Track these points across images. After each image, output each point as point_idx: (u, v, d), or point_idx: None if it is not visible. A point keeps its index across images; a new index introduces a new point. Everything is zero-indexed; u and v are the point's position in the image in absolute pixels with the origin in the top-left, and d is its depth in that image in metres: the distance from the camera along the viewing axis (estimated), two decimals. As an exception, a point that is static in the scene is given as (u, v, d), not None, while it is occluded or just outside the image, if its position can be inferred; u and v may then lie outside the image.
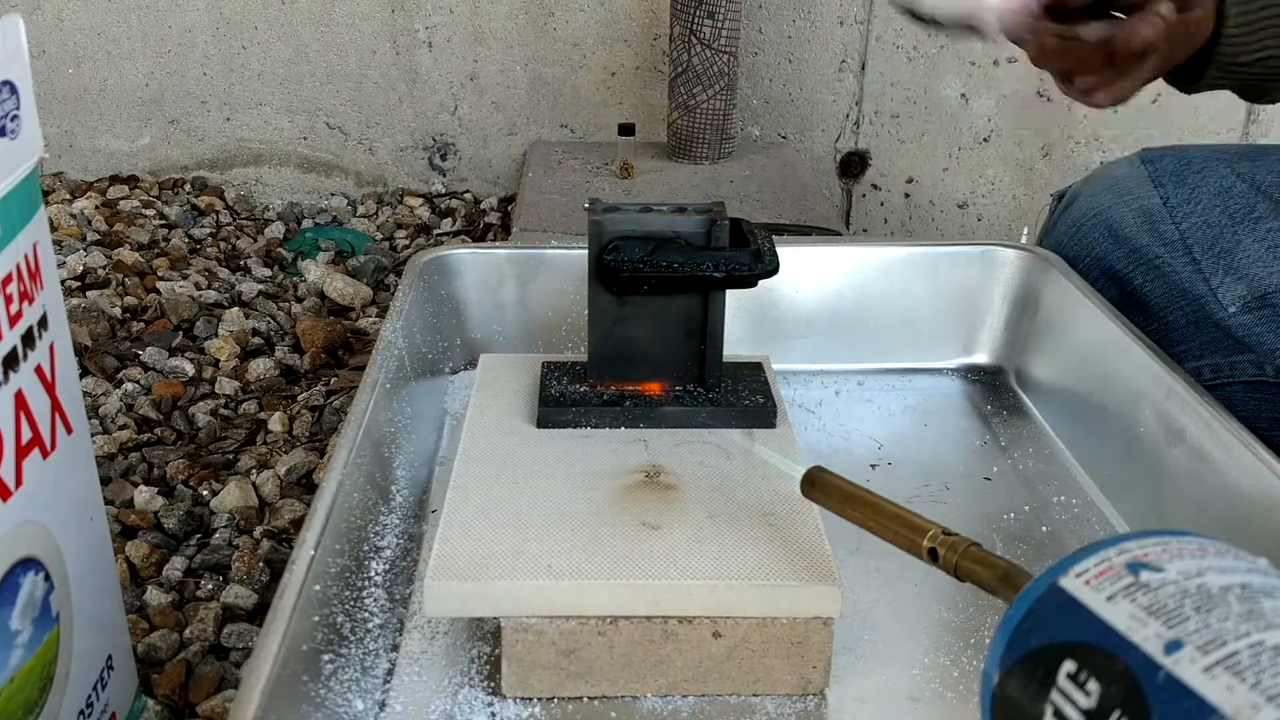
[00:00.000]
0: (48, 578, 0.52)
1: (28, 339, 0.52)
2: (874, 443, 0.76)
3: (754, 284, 0.64)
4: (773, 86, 1.52)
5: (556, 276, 0.84)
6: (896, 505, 0.49)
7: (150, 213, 1.46)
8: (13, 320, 0.50)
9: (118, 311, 1.15)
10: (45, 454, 0.52)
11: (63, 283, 1.22)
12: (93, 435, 0.94)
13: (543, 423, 0.65)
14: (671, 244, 0.63)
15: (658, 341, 0.66)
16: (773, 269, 0.63)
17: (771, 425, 0.65)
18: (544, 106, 1.54)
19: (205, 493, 0.87)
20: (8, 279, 0.50)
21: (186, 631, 0.73)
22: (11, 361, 0.50)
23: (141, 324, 1.14)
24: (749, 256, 0.63)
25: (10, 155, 0.51)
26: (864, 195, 1.56)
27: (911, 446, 0.75)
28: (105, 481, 0.88)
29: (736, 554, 0.54)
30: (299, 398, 1.02)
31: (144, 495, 0.86)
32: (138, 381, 1.03)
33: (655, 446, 0.63)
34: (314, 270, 1.26)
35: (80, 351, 1.07)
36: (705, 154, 1.42)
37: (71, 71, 1.53)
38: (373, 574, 0.58)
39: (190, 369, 1.06)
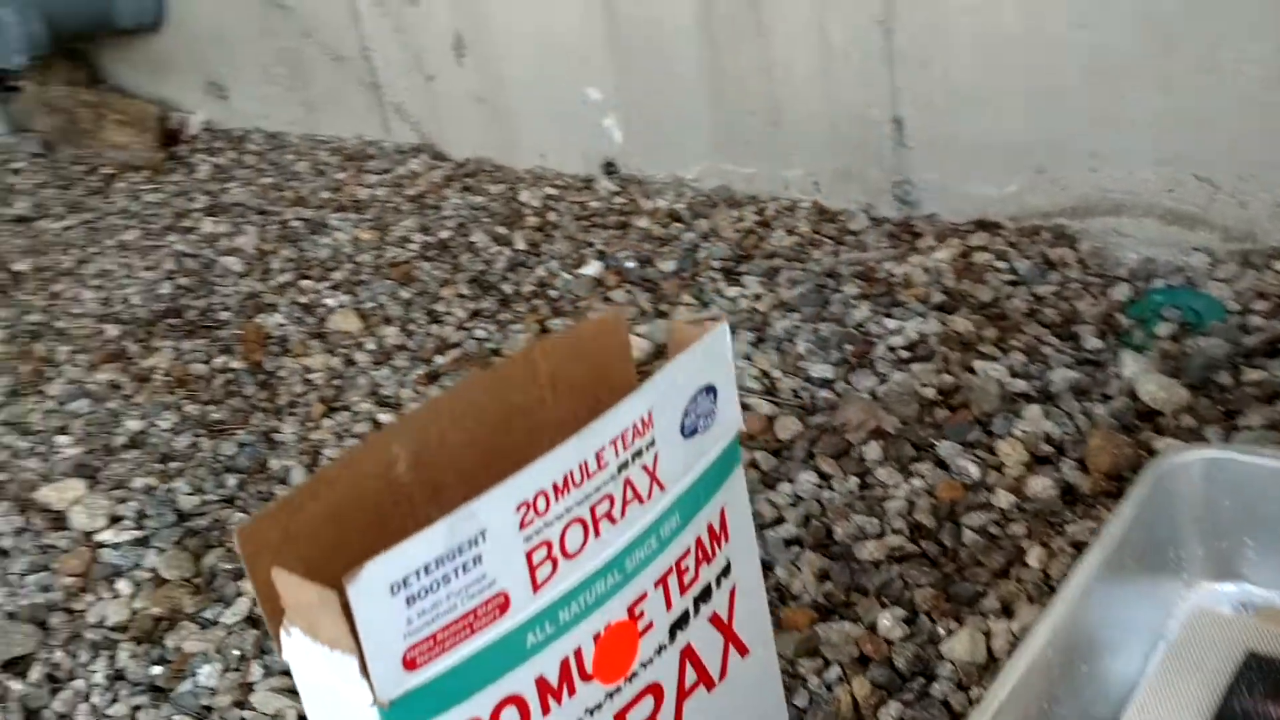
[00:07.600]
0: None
1: (703, 595, 0.59)
2: None
3: None
4: None
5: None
6: None
7: (1001, 265, 1.50)
8: (685, 588, 0.57)
9: (930, 392, 1.22)
10: (710, 687, 0.60)
11: (891, 350, 1.32)
12: (865, 538, 1.02)
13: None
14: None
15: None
16: None
17: None
18: None
19: (941, 630, 0.91)
20: (684, 554, 0.57)
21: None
22: (681, 622, 0.57)
23: (947, 410, 1.19)
24: None
25: (698, 446, 0.57)
26: None
27: None
28: (863, 592, 0.96)
29: None
30: (1067, 529, 1.00)
31: (886, 621, 0.92)
32: (924, 477, 1.09)
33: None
34: (1130, 364, 1.20)
35: (880, 436, 1.15)
36: None
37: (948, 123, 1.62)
38: None
39: (975, 471, 1.09)
